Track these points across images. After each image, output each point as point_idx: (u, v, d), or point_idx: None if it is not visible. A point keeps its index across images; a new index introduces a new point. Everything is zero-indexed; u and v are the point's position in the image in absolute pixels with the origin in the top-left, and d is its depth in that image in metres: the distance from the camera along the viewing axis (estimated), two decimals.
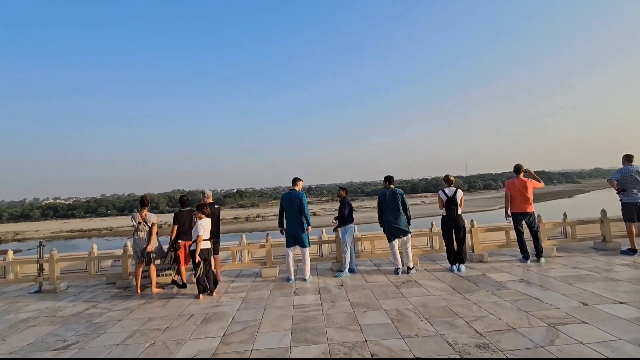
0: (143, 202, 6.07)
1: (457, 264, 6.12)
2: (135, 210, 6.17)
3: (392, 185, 6.39)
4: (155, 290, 5.89)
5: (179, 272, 6.10)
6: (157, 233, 6.10)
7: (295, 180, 6.28)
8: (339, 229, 6.66)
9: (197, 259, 5.35)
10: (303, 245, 6.04)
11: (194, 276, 5.41)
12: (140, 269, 5.97)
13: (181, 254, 6.02)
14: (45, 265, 6.43)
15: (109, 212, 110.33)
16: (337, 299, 4.98)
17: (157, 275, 6.11)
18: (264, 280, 6.31)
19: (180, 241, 6.03)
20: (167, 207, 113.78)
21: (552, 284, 5.11)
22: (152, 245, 5.94)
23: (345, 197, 6.69)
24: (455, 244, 6.23)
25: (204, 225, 5.48)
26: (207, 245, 5.53)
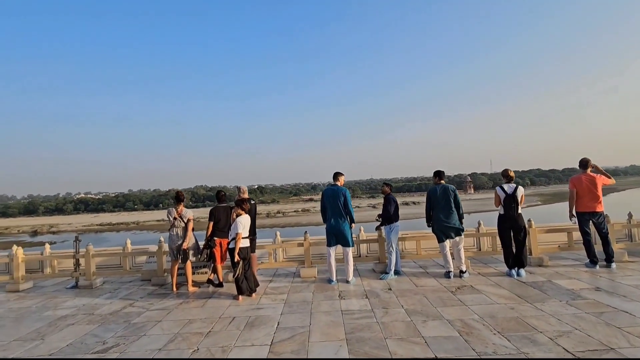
0: (179, 198, 5.83)
1: (516, 268, 5.53)
2: (171, 206, 5.95)
3: (442, 181, 5.85)
4: (191, 289, 5.65)
5: (215, 271, 5.83)
6: (192, 229, 5.84)
7: (336, 175, 5.86)
8: (383, 227, 6.19)
9: (236, 258, 5.04)
10: (346, 245, 5.63)
11: (233, 276, 5.11)
12: (176, 267, 5.74)
13: (217, 251, 5.75)
14: (82, 261, 6.33)
15: (135, 206, 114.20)
16: (388, 304, 4.54)
17: (193, 273, 5.87)
18: (303, 280, 5.94)
19: (216, 238, 5.75)
20: (190, 203, 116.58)
21: (636, 294, 4.46)
22: (188, 242, 5.70)
23: (389, 193, 6.20)
24: (514, 245, 5.63)
25: (243, 222, 5.16)
26: (246, 243, 5.21)
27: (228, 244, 5.29)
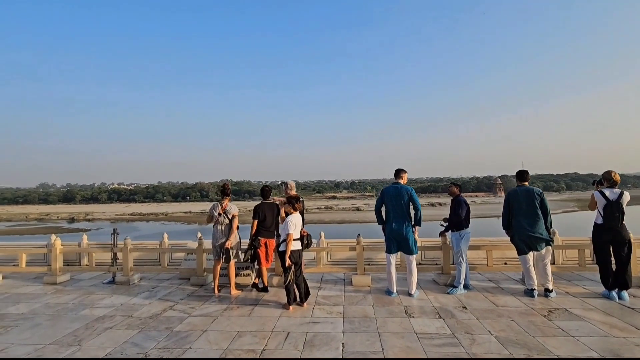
0: (224, 191, 5.32)
1: (617, 290, 4.60)
2: (217, 200, 5.46)
3: (526, 183, 4.98)
4: (234, 292, 5.13)
5: (259, 274, 5.29)
6: (237, 227, 5.32)
7: (399, 172, 5.13)
8: (449, 233, 5.41)
9: (287, 262, 4.45)
10: (409, 252, 4.90)
11: (284, 282, 4.52)
12: (219, 267, 5.24)
13: (262, 252, 5.20)
14: (119, 254, 5.98)
15: (164, 198, 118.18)
16: (471, 329, 3.78)
17: (236, 275, 5.35)
18: (356, 290, 5.28)
19: (261, 238, 5.20)
20: (215, 196, 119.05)
21: None
22: (233, 241, 5.18)
23: (459, 195, 5.40)
24: (613, 262, 4.69)
25: (295, 222, 4.56)
26: (297, 246, 4.61)
27: (278, 245, 4.72)
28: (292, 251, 4.48)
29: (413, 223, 4.94)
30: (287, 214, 4.66)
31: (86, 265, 6.78)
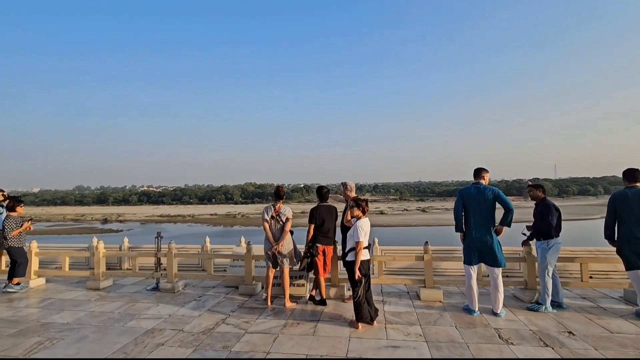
0: (278, 194, 4.83)
1: None
2: (271, 202, 5.00)
3: (638, 184, 4.16)
4: (288, 304, 4.61)
5: (317, 285, 4.75)
6: (291, 232, 4.81)
7: (480, 171, 4.44)
8: (534, 242, 4.65)
9: (357, 274, 3.87)
10: (495, 264, 4.20)
11: (353, 298, 3.94)
12: (272, 275, 4.74)
13: (319, 261, 4.66)
14: (163, 259, 5.63)
15: (191, 200, 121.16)
16: None
17: (290, 285, 4.83)
18: (426, 305, 4.62)
19: (318, 245, 4.66)
20: (240, 199, 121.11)
21: None
22: (285, 246, 4.67)
23: (545, 198, 4.64)
24: None
25: (365, 228, 3.98)
26: (367, 255, 4.03)
27: (345, 255, 4.15)
28: (361, 262, 3.91)
29: (498, 224, 4.24)
30: (355, 218, 4.09)
31: (128, 269, 6.52)
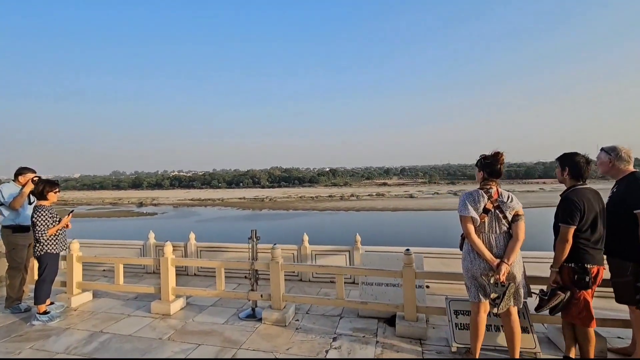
0: (493, 168, 2.65)
1: None
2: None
3: None
4: None
5: (581, 339, 2.62)
6: (522, 239, 2.64)
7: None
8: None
9: None
10: None
11: None
12: (484, 314, 2.65)
13: (588, 296, 2.52)
14: (258, 264, 3.72)
15: (219, 184, 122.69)
16: None
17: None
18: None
19: (589, 266, 2.49)
20: (267, 183, 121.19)
21: None
22: (517, 267, 2.54)
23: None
24: None
25: None
26: None
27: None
28: None
29: None
30: None
31: (196, 274, 4.70)
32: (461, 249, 2.75)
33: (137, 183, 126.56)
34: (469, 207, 2.55)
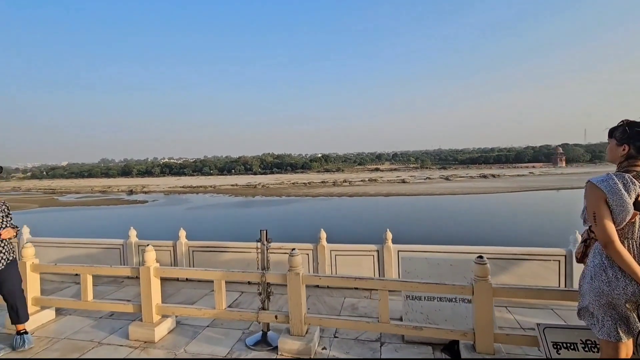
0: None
1: None
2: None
3: None
4: None
5: None
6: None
7: None
8: None
9: None
10: None
11: None
12: (625, 352, 1.80)
13: None
14: (271, 276, 2.81)
15: (211, 171, 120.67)
16: None
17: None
18: None
19: None
20: (259, 169, 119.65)
21: None
22: None
23: None
24: None
25: None
26: None
27: None
28: None
29: None
30: None
31: (188, 279, 3.78)
32: (580, 261, 1.88)
33: (126, 171, 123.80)
34: (625, 197, 1.62)
